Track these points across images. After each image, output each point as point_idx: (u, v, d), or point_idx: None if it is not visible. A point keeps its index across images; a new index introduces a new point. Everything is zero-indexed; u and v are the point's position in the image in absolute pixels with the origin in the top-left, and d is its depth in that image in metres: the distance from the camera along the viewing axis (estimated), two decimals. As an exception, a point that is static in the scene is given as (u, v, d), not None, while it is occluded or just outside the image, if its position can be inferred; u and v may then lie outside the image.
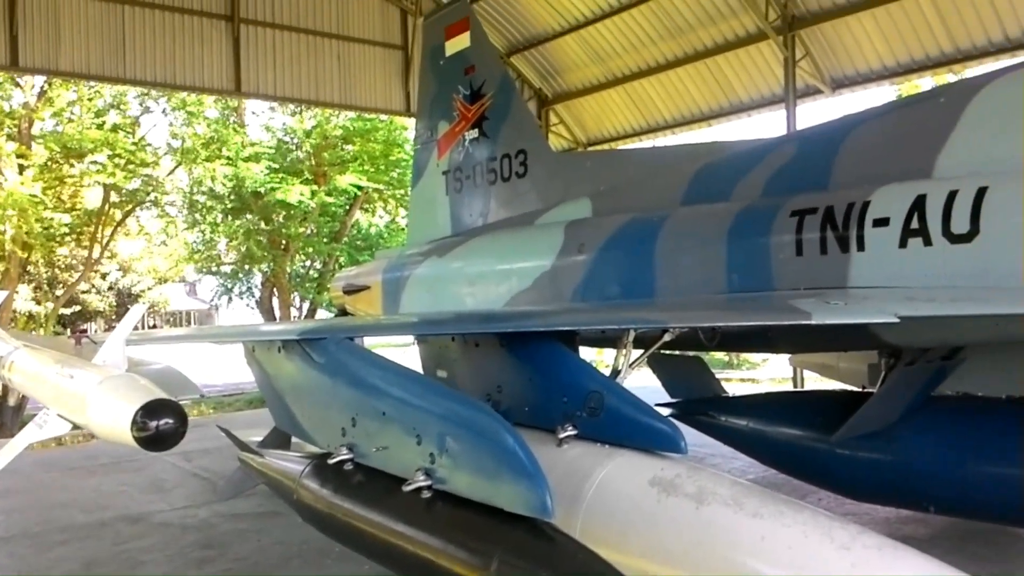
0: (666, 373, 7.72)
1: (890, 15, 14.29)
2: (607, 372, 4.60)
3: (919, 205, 4.77)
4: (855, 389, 7.11)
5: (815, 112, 15.73)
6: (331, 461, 4.03)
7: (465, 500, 3.34)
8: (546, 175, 9.30)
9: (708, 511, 3.10)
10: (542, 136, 10.17)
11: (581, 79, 20.89)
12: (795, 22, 15.38)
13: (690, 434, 7.40)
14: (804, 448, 6.18)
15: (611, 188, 8.15)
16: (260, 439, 5.48)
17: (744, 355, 28.79)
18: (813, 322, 4.06)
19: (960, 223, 4.54)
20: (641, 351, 5.45)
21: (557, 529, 3.13)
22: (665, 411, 7.59)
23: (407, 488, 3.45)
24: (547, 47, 20.58)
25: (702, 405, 7.28)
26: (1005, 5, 13.11)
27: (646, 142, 20.63)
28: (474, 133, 10.14)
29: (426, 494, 3.44)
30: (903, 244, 4.81)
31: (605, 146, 21.54)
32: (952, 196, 4.62)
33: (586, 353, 8.25)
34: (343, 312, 10.99)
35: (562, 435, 3.90)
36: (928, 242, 4.68)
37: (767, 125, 17.97)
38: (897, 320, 4.06)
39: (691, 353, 7.83)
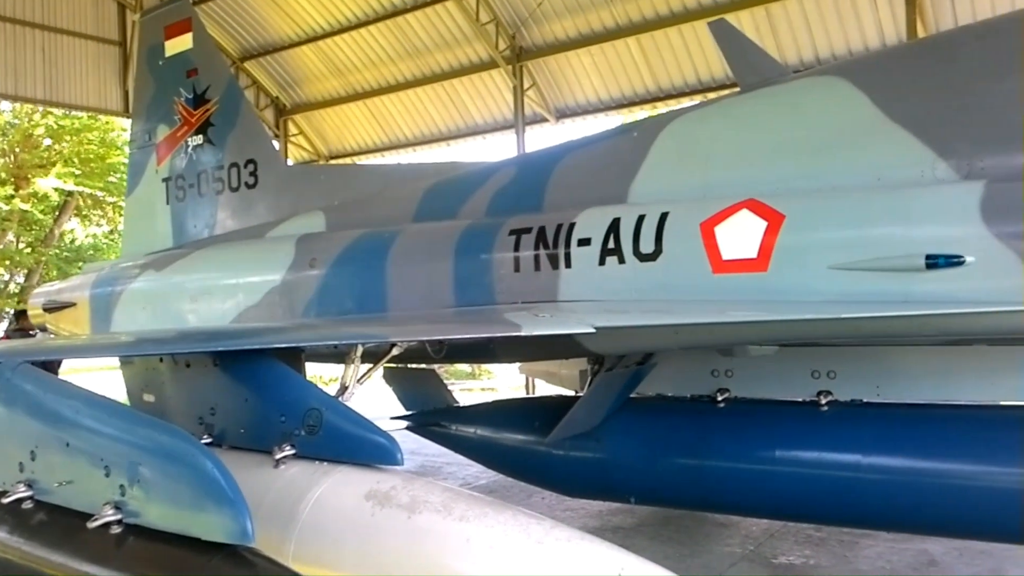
0: (400, 386, 7.81)
1: (604, 54, 15.77)
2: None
3: (615, 227, 5.27)
4: (570, 394, 7.70)
5: (543, 138, 16.83)
6: (5, 500, 3.58)
7: (160, 532, 3.13)
8: (278, 187, 9.01)
9: (419, 519, 3.19)
10: (273, 146, 9.86)
11: (321, 91, 20.59)
12: (523, 53, 16.42)
13: (431, 445, 7.67)
14: (524, 451, 6.58)
15: (345, 203, 8.10)
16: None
17: (485, 365, 29.97)
18: (523, 334, 4.34)
19: (647, 244, 5.09)
20: (370, 365, 5.49)
21: (259, 554, 3.04)
22: (402, 423, 7.73)
23: (93, 524, 3.16)
24: (284, 55, 20.04)
25: (435, 416, 7.47)
26: (698, 54, 15.02)
27: (389, 158, 20.81)
28: (198, 139, 9.56)
29: (116, 529, 3.18)
30: (602, 262, 5.28)
31: (348, 160, 21.39)
32: (641, 220, 5.17)
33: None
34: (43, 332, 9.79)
35: (279, 455, 3.80)
36: (622, 260, 5.19)
37: (501, 148, 18.95)
38: (594, 331, 4.47)
39: (433, 366, 8.00)
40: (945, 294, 3.99)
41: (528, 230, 5.81)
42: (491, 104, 18.27)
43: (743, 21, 13.88)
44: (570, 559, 2.88)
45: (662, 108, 15.95)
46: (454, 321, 5.47)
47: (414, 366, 8.00)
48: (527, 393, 16.94)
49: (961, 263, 3.93)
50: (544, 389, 12.50)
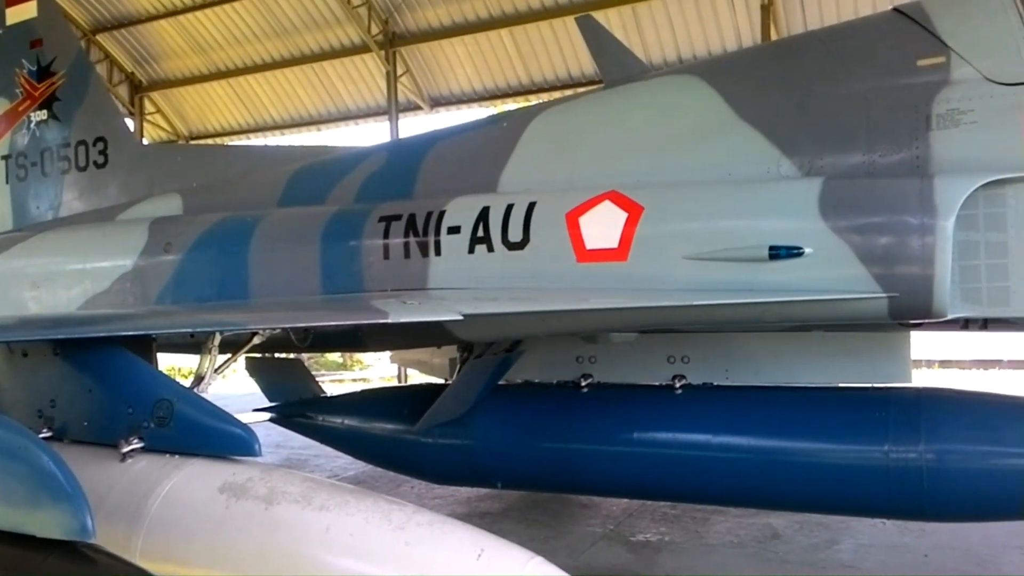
0: (264, 377, 7.56)
1: (478, 44, 15.83)
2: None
3: (484, 216, 5.32)
4: (440, 382, 7.71)
5: (418, 126, 16.69)
6: None
7: (-7, 532, 2.91)
8: (130, 167, 8.50)
9: (277, 510, 3.11)
10: (125, 124, 9.29)
11: (181, 68, 19.57)
12: (396, 39, 16.22)
13: (298, 437, 7.46)
14: (393, 440, 6.55)
15: (205, 185, 7.74)
16: None
17: (358, 355, 29.50)
18: (390, 321, 4.31)
19: (515, 233, 5.16)
20: (229, 355, 5.29)
21: (100, 550, 2.89)
22: (265, 415, 7.49)
23: (-89, 527, 2.90)
24: (140, 29, 18.89)
25: (301, 407, 7.29)
26: (569, 49, 15.32)
27: (255, 140, 20.06)
28: (42, 115, 8.87)
29: (-60, 531, 2.93)
30: (471, 250, 5.31)
31: (209, 141, 20.44)
32: (510, 209, 5.24)
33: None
34: None
35: (126, 449, 3.61)
36: (491, 248, 5.24)
37: (375, 135, 18.76)
38: (461, 318, 4.49)
39: (302, 356, 7.79)
40: (786, 283, 4.27)
41: (398, 217, 5.76)
42: (363, 89, 17.94)
43: (611, 19, 14.28)
44: (431, 543, 2.90)
45: (535, 100, 16.19)
46: (316, 309, 5.35)
47: (279, 356, 7.80)
48: (400, 383, 16.84)
49: (801, 254, 4.22)
50: (417, 378, 12.51)
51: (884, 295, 4.05)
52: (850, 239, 4.13)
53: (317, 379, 7.91)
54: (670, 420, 5.81)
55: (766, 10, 12.60)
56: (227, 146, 17.00)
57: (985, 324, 4.71)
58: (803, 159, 4.64)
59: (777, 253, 4.26)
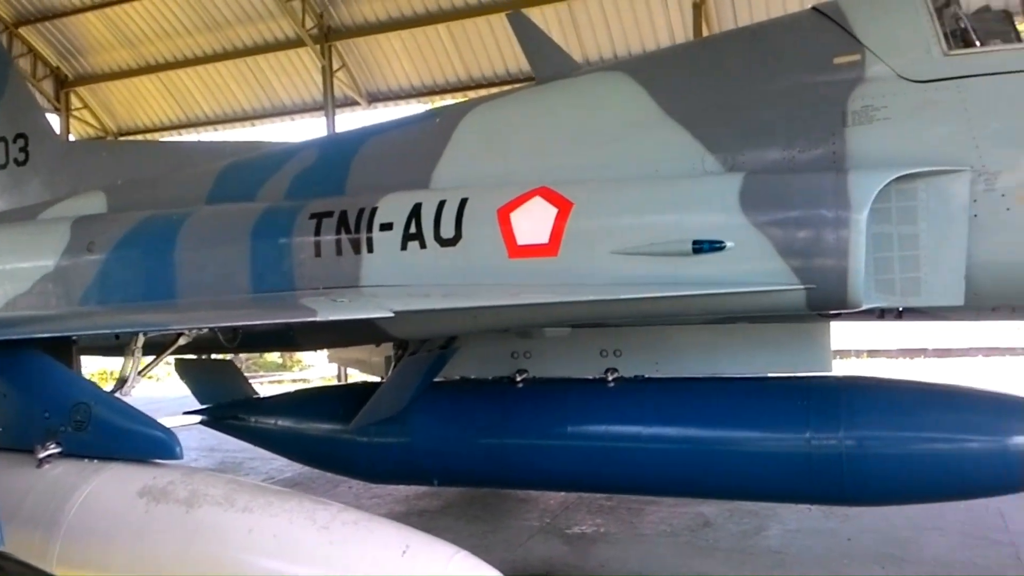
0: (194, 378, 7.40)
1: (415, 39, 15.72)
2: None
3: (416, 212, 5.30)
4: (377, 380, 7.67)
5: (355, 122, 16.50)
6: None
7: None
8: (53, 165, 8.25)
9: (199, 513, 3.07)
10: (47, 120, 8.97)
11: (108, 62, 18.97)
12: (331, 33, 16.00)
13: (234, 440, 7.31)
14: (327, 440, 6.49)
15: (130, 183, 7.54)
16: None
17: (298, 355, 29.05)
18: (318, 319, 4.27)
19: (448, 229, 5.16)
20: (154, 357, 5.18)
21: (10, 557, 2.81)
22: (196, 418, 7.34)
23: None
24: (66, 22, 18.25)
25: (232, 408, 7.16)
26: (507, 45, 15.33)
27: (187, 136, 19.57)
28: (-42, 110, 8.53)
29: None
30: (404, 247, 5.29)
31: (139, 137, 19.88)
32: (442, 205, 5.24)
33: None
34: None
35: (43, 454, 3.52)
36: (423, 245, 5.23)
37: (311, 130, 18.54)
38: (392, 315, 4.48)
39: (241, 356, 7.65)
40: (710, 276, 4.37)
41: (329, 214, 5.70)
42: (299, 84, 17.66)
43: (548, 16, 14.35)
44: (356, 541, 2.90)
45: (473, 96, 16.16)
46: (244, 307, 5.27)
47: (212, 357, 7.64)
48: (340, 382, 16.65)
49: (723, 248, 4.32)
50: (357, 377, 12.39)
51: (802, 287, 4.18)
52: (769, 233, 4.25)
53: (256, 380, 7.79)
54: (603, 413, 5.89)
55: (698, 8, 12.84)
56: (155, 142, 16.59)
57: (900, 314, 4.89)
58: (727, 155, 4.75)
59: (700, 247, 4.36)
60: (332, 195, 5.97)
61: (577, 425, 5.91)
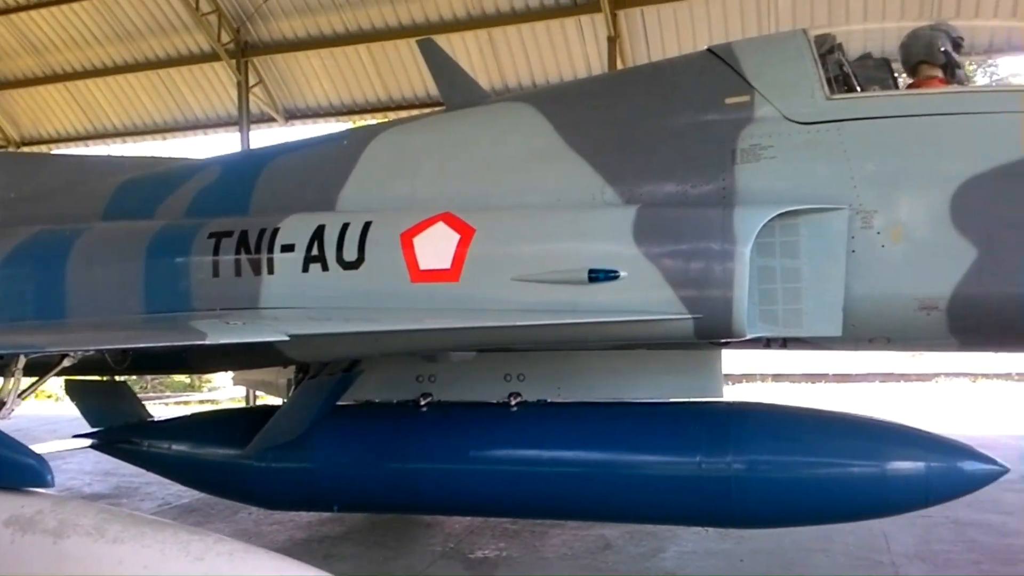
0: (84, 401, 7.12)
1: (335, 58, 15.62)
2: None
3: (319, 234, 5.27)
4: (280, 402, 7.51)
5: (271, 138, 16.24)
6: None
7: None
8: (-61, 175, 7.82)
9: (67, 544, 2.96)
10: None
11: (13, 69, 18.21)
12: (248, 48, 15.75)
13: (129, 464, 7.01)
14: (222, 466, 6.31)
15: (21, 196, 7.24)
16: None
17: (207, 376, 28.11)
18: (207, 343, 4.17)
19: (350, 252, 5.14)
20: (36, 378, 4.96)
21: None
22: (86, 441, 7.04)
23: None
24: (-35, 26, 17.41)
25: (125, 432, 6.90)
26: (427, 69, 15.36)
27: (94, 148, 18.89)
28: None
29: None
30: (306, 269, 5.25)
31: (44, 148, 19.10)
32: (345, 228, 5.22)
33: None
34: None
35: (-101, 483, 3.31)
36: (326, 267, 5.19)
37: (225, 145, 18.14)
38: (287, 338, 4.42)
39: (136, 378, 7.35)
40: (604, 305, 4.49)
41: (229, 233, 5.62)
42: (213, 98, 17.29)
43: (468, 42, 14.49)
44: (230, 573, 2.83)
45: (394, 117, 16.14)
46: (131, 329, 5.11)
47: (109, 377, 7.34)
48: (248, 404, 16.21)
49: (617, 277, 4.45)
50: (268, 400, 12.09)
51: (690, 316, 4.33)
52: (660, 263, 4.39)
53: (162, 401, 7.52)
54: (505, 437, 5.92)
55: (612, 42, 13.18)
56: (51, 154, 15.92)
57: (784, 343, 5.11)
58: (625, 187, 4.90)
59: (596, 276, 4.47)
60: (234, 214, 5.88)
61: (480, 449, 5.92)
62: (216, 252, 5.59)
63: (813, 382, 18.85)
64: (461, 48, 14.45)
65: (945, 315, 4.32)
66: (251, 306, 5.39)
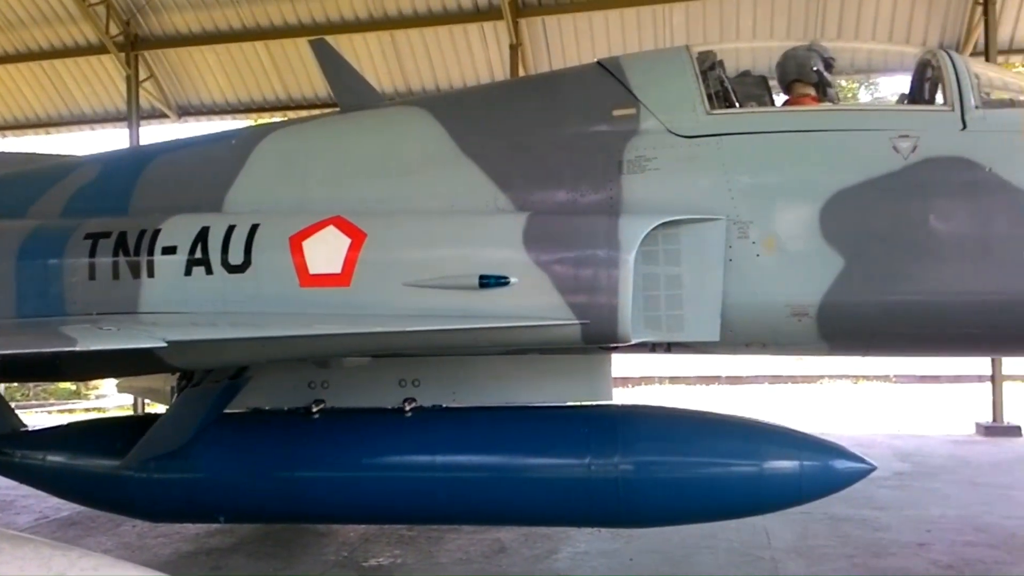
0: (-53, 410, 6.65)
1: (231, 54, 15.18)
2: None
3: (203, 236, 5.11)
4: (163, 411, 7.22)
5: (163, 135, 15.63)
6: None
7: None
8: None
9: (-90, 566, 2.75)
10: None
11: None
12: (138, 42, 15.12)
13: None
14: (100, 478, 6.02)
15: None
16: None
17: (94, 383, 26.78)
18: (78, 349, 3.98)
19: (236, 255, 5.01)
20: None
21: None
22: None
23: None
24: None
25: (-6, 443, 6.49)
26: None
27: (-31, 141, 17.73)
28: None
29: None
30: (188, 272, 5.08)
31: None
32: (231, 230, 5.08)
33: None
34: None
35: None
36: (210, 271, 5.05)
37: (113, 141, 17.34)
38: (165, 345, 4.27)
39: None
40: (495, 311, 4.53)
41: (107, 235, 5.40)
42: (101, 93, 16.52)
43: (371, 44, 14.36)
44: (94, 589, 2.70)
45: (293, 116, 15.79)
46: (-6, 334, 4.83)
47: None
48: (136, 412, 15.52)
49: (507, 284, 4.50)
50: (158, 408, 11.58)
51: (577, 322, 4.42)
52: (549, 270, 4.48)
53: (45, 409, 7.10)
54: (400, 443, 5.87)
55: (515, 50, 13.31)
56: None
57: (669, 347, 5.27)
58: (518, 195, 4.96)
59: (487, 282, 4.51)
60: (113, 215, 5.64)
61: (373, 456, 5.85)
62: (93, 254, 5.37)
63: (707, 384, 19.52)
64: (364, 50, 14.32)
65: (815, 321, 4.57)
66: (130, 311, 5.19)
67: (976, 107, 4.59)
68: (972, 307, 4.46)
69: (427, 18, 13.99)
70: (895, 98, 5.61)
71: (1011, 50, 13.17)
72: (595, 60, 5.52)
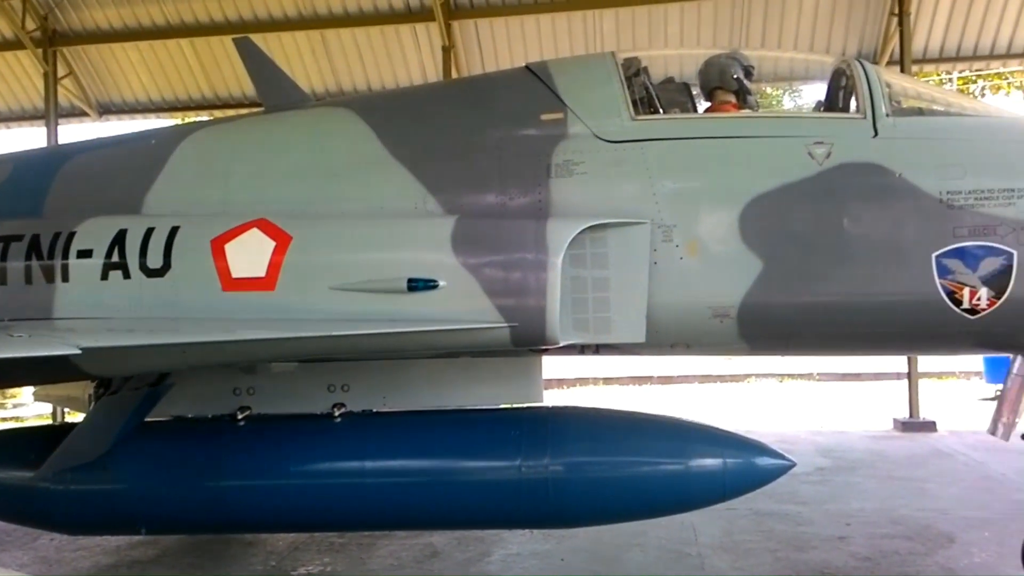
0: None
1: (155, 52, 14.75)
2: None
3: (120, 239, 4.96)
4: (79, 420, 6.96)
5: (83, 134, 15.08)
6: None
7: None
8: None
9: None
10: None
11: None
12: (57, 37, 14.55)
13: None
14: (12, 490, 5.77)
15: None
16: None
17: (13, 391, 25.62)
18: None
19: (155, 258, 4.87)
20: None
21: None
22: None
23: None
24: None
25: None
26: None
27: None
28: None
29: None
30: (105, 276, 4.93)
31: None
32: (150, 232, 4.94)
33: None
34: None
35: None
36: (127, 275, 4.90)
37: (30, 140, 16.64)
38: (79, 351, 4.11)
39: None
40: (424, 314, 4.52)
41: (19, 238, 5.22)
42: (17, 89, 15.85)
43: (300, 43, 14.14)
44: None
45: (220, 115, 15.43)
46: None
47: None
48: (55, 421, 14.90)
49: (436, 287, 4.49)
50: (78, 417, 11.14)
51: (506, 325, 4.44)
52: (478, 273, 4.49)
53: None
54: (328, 449, 5.78)
55: (447, 52, 13.28)
56: None
57: (598, 349, 5.34)
58: (446, 197, 4.96)
59: (415, 286, 4.49)
60: (25, 217, 5.44)
61: (302, 463, 5.74)
62: (4, 258, 5.18)
63: (640, 384, 19.80)
64: (293, 49, 14.08)
65: (736, 322, 4.69)
66: (43, 316, 5.01)
67: (887, 115, 4.78)
68: (884, 307, 4.64)
69: (358, 18, 13.84)
70: (813, 106, 5.81)
71: (925, 59, 13.75)
72: (525, 64, 5.54)
